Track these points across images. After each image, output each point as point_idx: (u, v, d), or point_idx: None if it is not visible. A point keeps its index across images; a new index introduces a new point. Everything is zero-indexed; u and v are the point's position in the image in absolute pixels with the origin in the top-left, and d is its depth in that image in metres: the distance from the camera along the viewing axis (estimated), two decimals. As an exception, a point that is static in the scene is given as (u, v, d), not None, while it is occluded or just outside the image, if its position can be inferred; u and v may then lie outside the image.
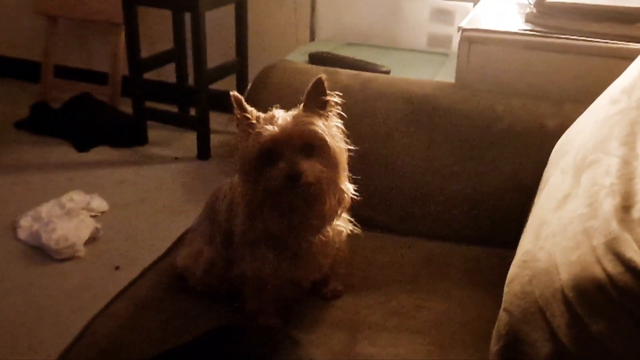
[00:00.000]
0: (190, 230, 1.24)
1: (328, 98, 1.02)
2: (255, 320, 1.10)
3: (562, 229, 0.84)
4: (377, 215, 1.40)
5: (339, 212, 1.05)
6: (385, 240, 1.35)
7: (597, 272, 0.70)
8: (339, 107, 1.04)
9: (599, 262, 0.71)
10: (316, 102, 1.02)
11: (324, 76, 1.03)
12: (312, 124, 0.98)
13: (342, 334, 1.08)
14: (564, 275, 0.75)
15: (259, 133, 0.97)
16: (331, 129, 1.02)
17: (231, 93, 1.00)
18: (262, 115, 1.02)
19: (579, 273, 0.72)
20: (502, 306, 0.89)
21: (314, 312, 1.14)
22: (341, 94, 1.04)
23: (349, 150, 1.04)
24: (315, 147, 0.98)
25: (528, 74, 1.48)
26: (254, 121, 0.99)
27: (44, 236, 2.11)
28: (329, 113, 1.03)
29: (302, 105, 1.02)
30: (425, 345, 1.05)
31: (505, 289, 0.90)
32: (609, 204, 0.78)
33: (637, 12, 1.48)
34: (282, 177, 0.95)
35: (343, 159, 1.02)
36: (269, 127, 0.96)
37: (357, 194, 1.06)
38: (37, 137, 2.98)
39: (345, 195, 1.04)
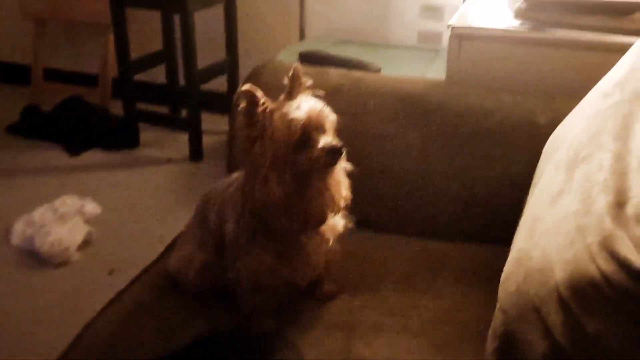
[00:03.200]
0: (181, 234, 1.24)
1: (306, 84, 1.04)
2: (250, 323, 1.09)
3: (556, 225, 0.84)
4: (371, 214, 1.39)
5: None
6: (379, 239, 1.34)
7: (592, 270, 0.69)
8: (313, 90, 1.05)
9: (594, 260, 0.70)
10: (296, 90, 1.03)
11: (298, 65, 1.04)
12: (323, 106, 1.00)
13: (338, 335, 1.07)
14: (559, 273, 0.74)
15: (294, 119, 0.96)
16: None
17: (244, 89, 0.98)
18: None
19: (573, 271, 0.72)
20: (498, 305, 0.89)
21: (309, 313, 1.13)
22: (309, 80, 1.04)
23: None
24: (328, 128, 1.00)
25: (519, 69, 1.48)
26: (273, 107, 0.98)
27: (38, 241, 2.10)
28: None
29: (284, 95, 1.02)
30: (421, 345, 1.05)
31: (500, 288, 0.90)
32: (602, 201, 0.78)
33: (627, 4, 1.47)
34: (325, 154, 0.96)
35: None
36: (300, 113, 0.97)
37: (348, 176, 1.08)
38: (28, 141, 2.97)
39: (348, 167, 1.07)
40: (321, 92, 1.04)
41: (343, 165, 1.05)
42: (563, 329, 0.71)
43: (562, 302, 0.72)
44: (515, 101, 1.39)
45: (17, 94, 3.34)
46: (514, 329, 0.81)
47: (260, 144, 0.98)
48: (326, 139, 0.97)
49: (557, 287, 0.74)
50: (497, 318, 0.87)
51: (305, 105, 0.99)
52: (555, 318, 0.72)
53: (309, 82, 1.05)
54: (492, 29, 1.51)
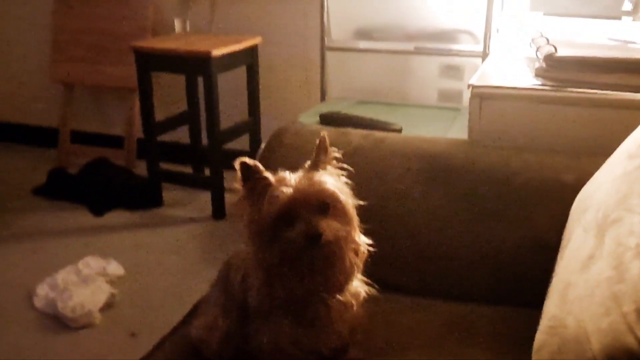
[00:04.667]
0: (204, 300, 1.22)
1: (333, 154, 1.04)
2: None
3: (589, 292, 0.81)
4: (395, 276, 1.36)
5: (358, 265, 1.04)
6: (404, 302, 1.31)
7: (630, 341, 0.67)
8: (342, 162, 1.05)
9: (632, 330, 0.68)
10: (322, 160, 1.03)
11: (325, 133, 1.04)
12: (325, 182, 0.99)
13: (365, 406, 1.04)
14: (595, 344, 0.72)
15: (275, 196, 0.96)
16: (340, 184, 1.02)
17: (240, 162, 0.99)
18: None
19: (610, 342, 0.69)
20: (532, 376, 0.85)
21: (334, 382, 1.10)
22: (337, 151, 1.05)
23: (360, 206, 1.04)
24: (330, 205, 0.98)
25: (541, 128, 1.47)
26: (272, 182, 0.98)
27: (60, 305, 2.10)
28: (335, 169, 1.04)
29: (309, 164, 1.02)
30: (452, 416, 1.01)
31: (534, 358, 0.87)
32: (636, 267, 0.75)
33: (648, 62, 1.47)
34: (302, 239, 0.94)
35: (354, 212, 1.02)
36: (284, 189, 0.96)
37: (371, 245, 1.05)
38: (54, 203, 3.01)
39: (361, 247, 1.04)
40: (340, 154, 1.04)
41: (360, 240, 1.03)
42: (602, 404, 0.68)
43: (600, 375, 0.69)
44: (540, 160, 1.38)
45: (44, 157, 3.42)
46: (550, 402, 0.77)
47: (252, 211, 0.98)
48: (308, 223, 0.94)
49: (595, 359, 0.71)
50: (532, 390, 0.83)
51: (296, 183, 0.97)
52: (593, 392, 0.69)
53: (335, 152, 1.04)
54: (513, 87, 1.51)
